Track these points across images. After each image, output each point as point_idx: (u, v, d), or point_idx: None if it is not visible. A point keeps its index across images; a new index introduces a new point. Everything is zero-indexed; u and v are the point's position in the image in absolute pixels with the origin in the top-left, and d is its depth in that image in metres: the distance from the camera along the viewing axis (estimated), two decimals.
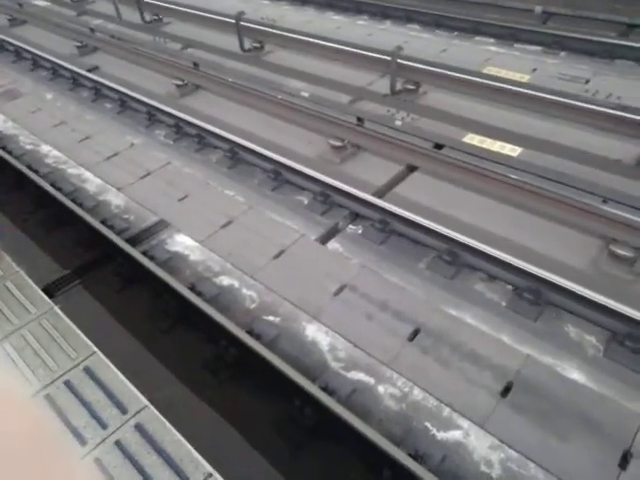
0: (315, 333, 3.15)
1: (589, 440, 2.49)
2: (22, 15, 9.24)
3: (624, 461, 2.39)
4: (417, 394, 2.76)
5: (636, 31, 6.58)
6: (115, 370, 2.63)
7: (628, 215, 3.56)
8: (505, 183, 3.99)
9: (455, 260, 3.51)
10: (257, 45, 6.97)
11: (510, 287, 3.36)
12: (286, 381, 2.73)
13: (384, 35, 7.07)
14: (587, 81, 5.51)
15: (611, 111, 4.25)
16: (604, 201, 3.81)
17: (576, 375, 2.83)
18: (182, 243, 3.97)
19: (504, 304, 3.27)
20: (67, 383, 2.58)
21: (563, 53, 6.34)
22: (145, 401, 2.46)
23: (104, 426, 2.37)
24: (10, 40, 7.96)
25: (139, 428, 2.35)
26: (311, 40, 6.17)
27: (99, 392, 2.52)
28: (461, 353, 2.94)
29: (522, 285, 3.27)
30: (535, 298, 3.18)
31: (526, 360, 2.87)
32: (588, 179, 4.04)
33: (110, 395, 2.50)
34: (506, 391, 2.73)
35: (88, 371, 2.63)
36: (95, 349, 2.74)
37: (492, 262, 3.37)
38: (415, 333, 3.07)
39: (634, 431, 2.49)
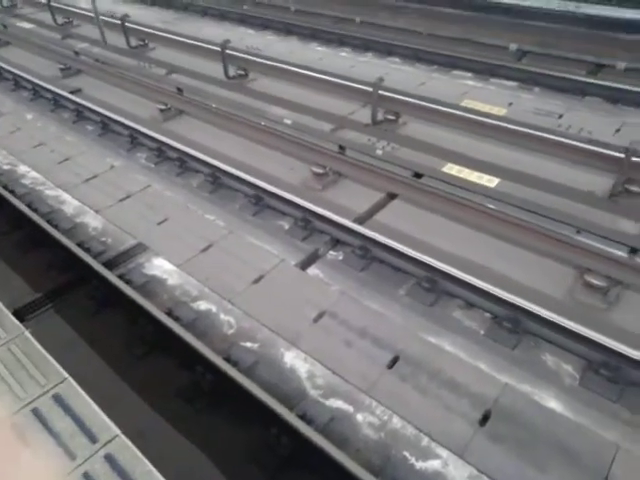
0: (294, 360, 3.11)
1: (566, 470, 2.48)
2: (5, 36, 9.23)
3: None
4: (396, 422, 2.73)
5: (604, 70, 6.90)
6: (86, 397, 2.54)
7: (601, 245, 3.67)
8: (483, 212, 4.07)
9: (434, 287, 3.53)
10: (241, 72, 7.08)
11: (489, 315, 3.38)
12: (263, 409, 2.68)
13: (366, 67, 7.26)
14: (560, 116, 5.72)
15: (584, 145, 4.41)
16: (578, 232, 3.91)
17: (553, 404, 2.84)
18: (160, 267, 3.91)
19: (482, 332, 3.29)
20: (35, 411, 2.48)
21: (537, 89, 6.59)
22: (116, 430, 2.38)
23: (72, 456, 2.28)
24: None
25: (109, 458, 2.27)
26: (295, 69, 6.30)
27: (68, 420, 2.43)
28: (440, 381, 2.93)
29: (500, 313, 3.30)
30: (513, 326, 3.21)
31: (504, 388, 2.87)
32: (563, 210, 4.15)
33: (80, 424, 2.41)
34: (484, 420, 2.72)
35: (58, 398, 2.54)
36: (66, 375, 2.65)
37: (471, 290, 3.40)
38: (394, 360, 3.06)
39: (610, 460, 2.50)
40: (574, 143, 4.46)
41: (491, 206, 4.12)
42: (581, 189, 4.48)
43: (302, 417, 2.67)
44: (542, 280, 3.60)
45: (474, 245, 3.96)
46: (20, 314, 3.46)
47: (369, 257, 3.86)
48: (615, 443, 2.59)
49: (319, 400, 2.86)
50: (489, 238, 4.02)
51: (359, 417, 2.76)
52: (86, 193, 4.81)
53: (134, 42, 8.38)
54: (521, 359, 3.11)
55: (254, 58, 6.75)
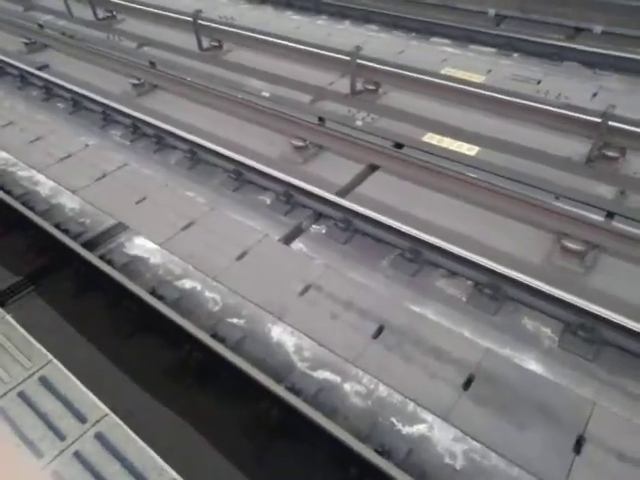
0: (280, 334, 3.14)
1: (546, 428, 2.58)
2: None
3: (578, 445, 2.50)
4: (382, 390, 2.79)
5: (582, 34, 6.89)
6: (73, 378, 2.53)
7: (578, 210, 3.74)
8: (464, 181, 4.09)
9: (417, 257, 3.57)
10: (215, 44, 6.87)
11: (470, 283, 3.45)
12: (252, 383, 2.71)
13: (343, 35, 7.11)
14: (539, 82, 5.73)
15: (561, 111, 4.43)
16: (556, 197, 3.98)
17: (533, 366, 2.94)
18: (142, 246, 3.86)
19: (464, 299, 3.36)
20: (21, 394, 2.47)
21: (516, 55, 6.56)
22: (105, 409, 2.39)
23: (62, 437, 2.29)
24: None
25: (99, 437, 2.28)
26: (270, 39, 6.14)
27: (56, 402, 2.43)
28: (424, 349, 2.99)
29: (482, 280, 3.36)
30: (494, 293, 3.28)
31: (486, 353, 2.95)
32: (541, 176, 4.21)
33: (68, 405, 2.41)
34: (468, 384, 2.80)
35: (44, 381, 2.53)
36: (51, 357, 2.63)
37: (453, 259, 3.45)
38: (379, 330, 3.11)
39: (587, 416, 2.61)
40: (551, 109, 4.48)
41: (471, 175, 4.15)
42: (559, 155, 4.52)
43: (291, 389, 2.71)
44: (521, 246, 3.67)
45: (455, 214, 3.99)
46: (0, 299, 3.41)
47: (352, 229, 3.87)
48: (592, 400, 2.70)
49: (307, 372, 2.91)
50: (470, 207, 4.06)
51: (346, 387, 2.82)
52: (61, 173, 4.68)
53: (101, 14, 8.04)
54: (502, 324, 3.19)
55: (228, 28, 6.55)
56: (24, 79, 6.43)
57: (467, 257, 3.36)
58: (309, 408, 2.54)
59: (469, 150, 4.64)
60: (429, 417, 2.66)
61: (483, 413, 2.66)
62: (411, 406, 2.71)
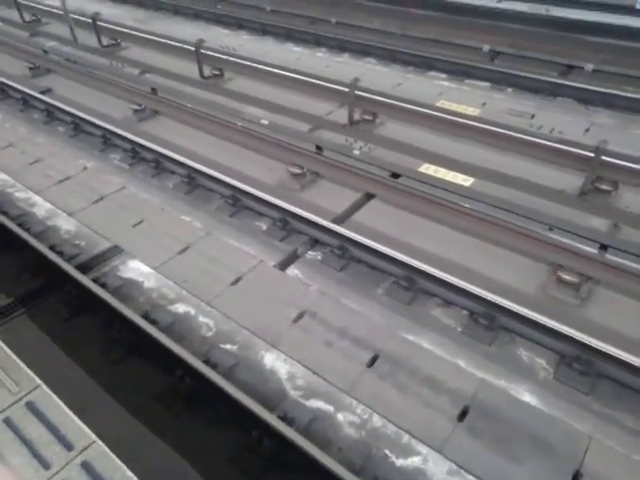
0: (274, 361, 3.10)
1: (542, 462, 2.54)
2: None
3: None
4: (376, 421, 2.75)
5: (574, 71, 7.09)
6: (60, 404, 2.48)
7: (572, 242, 3.76)
8: (459, 211, 4.13)
9: (412, 286, 3.57)
10: (217, 72, 7.01)
11: (466, 312, 3.44)
12: (244, 411, 2.66)
13: (342, 67, 7.28)
14: (532, 116, 5.85)
15: (555, 144, 4.52)
16: (550, 229, 4.01)
17: (528, 398, 2.90)
18: (136, 270, 3.85)
19: (460, 329, 3.34)
20: (7, 420, 2.41)
21: (510, 89, 6.72)
22: (93, 436, 2.33)
23: (47, 466, 2.22)
24: None
25: (86, 466, 2.22)
26: (271, 69, 6.27)
27: (42, 429, 2.37)
28: (419, 378, 2.96)
29: (477, 310, 3.36)
30: (489, 323, 3.27)
31: (481, 384, 2.93)
32: (535, 208, 4.25)
33: (54, 431, 2.36)
34: (463, 415, 2.76)
35: (31, 406, 2.47)
36: (39, 382, 2.58)
37: (448, 288, 3.45)
38: (374, 359, 3.08)
39: (583, 450, 2.57)
40: (545, 142, 4.56)
41: (466, 205, 4.19)
42: (553, 187, 4.59)
43: (283, 418, 2.66)
44: (516, 277, 3.68)
45: (451, 244, 4.01)
46: None
47: (348, 257, 3.87)
48: (588, 434, 2.66)
49: (300, 401, 2.86)
50: (465, 237, 4.08)
51: (340, 417, 2.77)
52: (58, 195, 4.70)
53: (106, 41, 8.22)
54: (497, 355, 3.17)
55: (229, 58, 6.69)
56: (26, 102, 6.51)
57: (462, 286, 3.36)
58: (302, 439, 2.49)
59: (464, 181, 4.70)
60: (424, 449, 2.61)
61: (478, 446, 2.61)
62: (405, 437, 2.66)
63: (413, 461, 2.56)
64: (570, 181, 4.61)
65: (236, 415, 2.72)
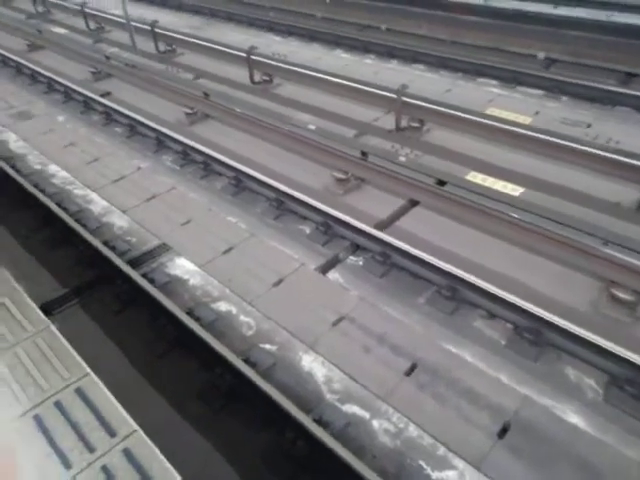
0: (311, 363, 3.11)
1: None
2: (40, 41, 9.53)
3: None
4: (412, 431, 2.70)
5: (635, 80, 6.75)
6: (107, 392, 2.59)
7: (629, 258, 3.57)
8: (506, 222, 4.02)
9: (455, 296, 3.50)
10: (266, 78, 7.16)
11: (510, 326, 3.33)
12: (280, 412, 2.69)
13: (390, 74, 7.26)
14: (588, 125, 5.62)
15: (610, 155, 4.32)
16: (605, 243, 3.82)
17: (574, 419, 2.77)
18: (182, 267, 3.97)
19: (503, 343, 3.24)
20: (57, 404, 2.54)
21: (565, 98, 6.49)
22: (135, 425, 2.42)
23: (91, 449, 2.32)
24: (27, 64, 8.18)
25: (127, 453, 2.30)
26: (319, 75, 6.34)
27: (89, 414, 2.48)
28: (458, 390, 2.89)
29: (522, 324, 3.24)
30: (535, 338, 3.16)
31: (524, 401, 2.82)
32: (589, 221, 4.07)
33: (100, 418, 2.46)
34: (503, 432, 2.67)
35: (79, 392, 2.59)
36: (88, 370, 2.70)
37: (492, 299, 3.36)
38: (412, 368, 3.03)
39: (633, 479, 2.43)
40: (600, 153, 4.37)
41: (515, 215, 4.06)
42: (608, 200, 4.38)
43: (318, 421, 2.67)
44: (566, 292, 3.53)
45: (497, 254, 3.91)
46: (47, 309, 3.56)
47: (389, 263, 3.84)
48: (638, 462, 2.51)
49: (336, 405, 2.86)
50: (512, 247, 3.96)
51: (375, 423, 2.75)
52: (113, 193, 4.92)
53: (163, 47, 8.56)
54: (543, 372, 3.05)
55: (279, 64, 6.82)
56: (87, 104, 6.87)
57: (507, 299, 3.26)
58: (336, 443, 2.48)
59: (513, 190, 4.56)
60: (460, 464, 2.54)
61: (518, 465, 2.52)
62: (442, 450, 2.61)
63: (448, 475, 2.50)
64: (627, 194, 4.39)
65: (272, 415, 2.75)
